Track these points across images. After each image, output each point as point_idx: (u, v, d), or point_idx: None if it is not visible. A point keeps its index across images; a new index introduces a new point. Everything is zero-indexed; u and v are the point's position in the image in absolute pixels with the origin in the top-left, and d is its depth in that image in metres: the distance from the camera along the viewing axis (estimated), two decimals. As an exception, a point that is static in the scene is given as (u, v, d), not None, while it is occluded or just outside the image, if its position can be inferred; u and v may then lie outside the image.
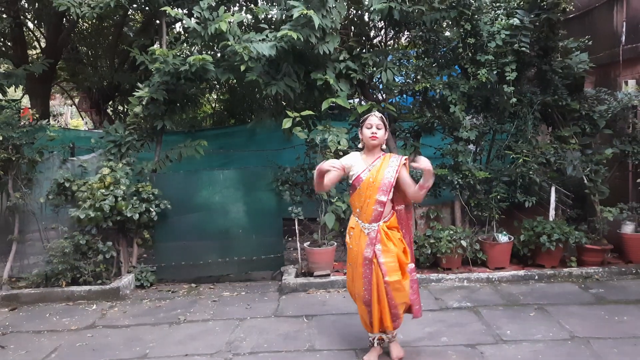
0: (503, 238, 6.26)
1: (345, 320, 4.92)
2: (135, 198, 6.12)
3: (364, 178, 3.84)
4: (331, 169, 3.67)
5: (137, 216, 6.00)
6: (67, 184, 6.06)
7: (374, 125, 3.84)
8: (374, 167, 3.86)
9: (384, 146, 4.00)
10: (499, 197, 6.31)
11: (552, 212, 6.40)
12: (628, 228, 6.31)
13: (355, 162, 3.92)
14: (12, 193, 6.15)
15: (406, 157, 3.95)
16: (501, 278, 5.93)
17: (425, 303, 5.28)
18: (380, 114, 3.91)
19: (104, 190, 5.91)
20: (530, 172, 6.23)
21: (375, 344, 4.01)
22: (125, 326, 5.02)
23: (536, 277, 5.94)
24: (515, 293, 5.52)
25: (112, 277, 6.16)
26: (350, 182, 3.94)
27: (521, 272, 6.01)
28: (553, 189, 6.44)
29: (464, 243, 6.03)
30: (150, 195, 6.18)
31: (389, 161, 3.88)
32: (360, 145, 4.00)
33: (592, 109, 6.62)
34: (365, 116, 3.93)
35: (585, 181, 6.33)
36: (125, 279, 6.08)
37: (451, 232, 6.13)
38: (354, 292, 3.99)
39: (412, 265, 3.94)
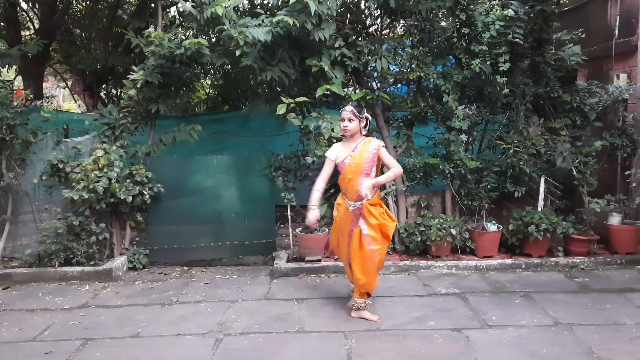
0: (492, 227, 6.35)
1: (335, 303, 5.01)
2: (128, 181, 6.15)
3: (347, 163, 4.42)
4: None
5: (130, 199, 6.02)
6: (60, 165, 6.06)
7: (346, 119, 4.42)
8: (355, 152, 4.42)
9: (363, 131, 4.51)
10: (489, 186, 6.39)
11: (540, 203, 6.50)
12: (615, 219, 6.42)
13: (339, 152, 4.51)
14: (6, 173, 6.16)
15: (381, 142, 4.51)
16: (489, 266, 6.03)
17: (414, 289, 5.41)
18: (351, 108, 4.43)
19: (97, 172, 5.93)
20: (521, 163, 6.32)
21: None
22: (118, 306, 5.08)
23: (523, 266, 6.05)
24: (502, 281, 5.63)
25: (105, 258, 6.20)
26: (337, 168, 4.52)
27: (509, 261, 6.11)
28: (542, 180, 6.54)
29: (453, 231, 6.12)
30: (144, 178, 6.21)
31: (368, 146, 4.43)
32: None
33: (583, 102, 6.70)
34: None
35: (575, 173, 6.42)
36: (118, 260, 6.12)
37: (441, 220, 6.21)
38: (339, 253, 4.79)
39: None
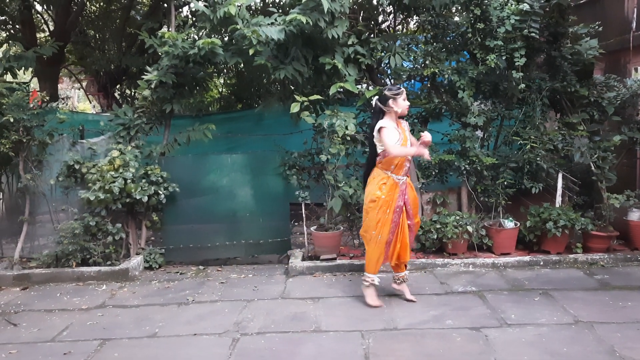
0: (509, 224, 6.28)
1: (351, 302, 4.99)
2: (144, 181, 6.18)
3: (401, 142, 4.67)
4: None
5: (146, 198, 6.06)
6: (76, 166, 6.11)
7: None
8: (403, 131, 4.77)
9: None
10: (505, 183, 6.31)
11: (558, 199, 6.41)
12: (635, 215, 6.30)
13: (394, 128, 4.68)
14: (23, 175, 6.22)
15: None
16: (506, 263, 5.97)
17: (431, 287, 5.36)
18: None
19: (113, 173, 5.97)
20: (538, 159, 6.23)
21: (376, 282, 4.87)
22: (135, 306, 5.11)
23: (541, 263, 5.97)
24: (520, 278, 5.56)
25: (121, 258, 6.25)
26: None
27: (526, 258, 6.04)
28: (560, 176, 6.45)
29: (470, 228, 6.06)
30: (159, 178, 6.24)
31: (405, 125, 4.88)
32: (389, 113, 4.68)
33: (600, 96, 6.58)
34: (399, 90, 4.67)
35: (593, 168, 6.33)
36: (134, 260, 6.16)
37: (457, 217, 6.15)
38: (379, 234, 4.70)
39: None
